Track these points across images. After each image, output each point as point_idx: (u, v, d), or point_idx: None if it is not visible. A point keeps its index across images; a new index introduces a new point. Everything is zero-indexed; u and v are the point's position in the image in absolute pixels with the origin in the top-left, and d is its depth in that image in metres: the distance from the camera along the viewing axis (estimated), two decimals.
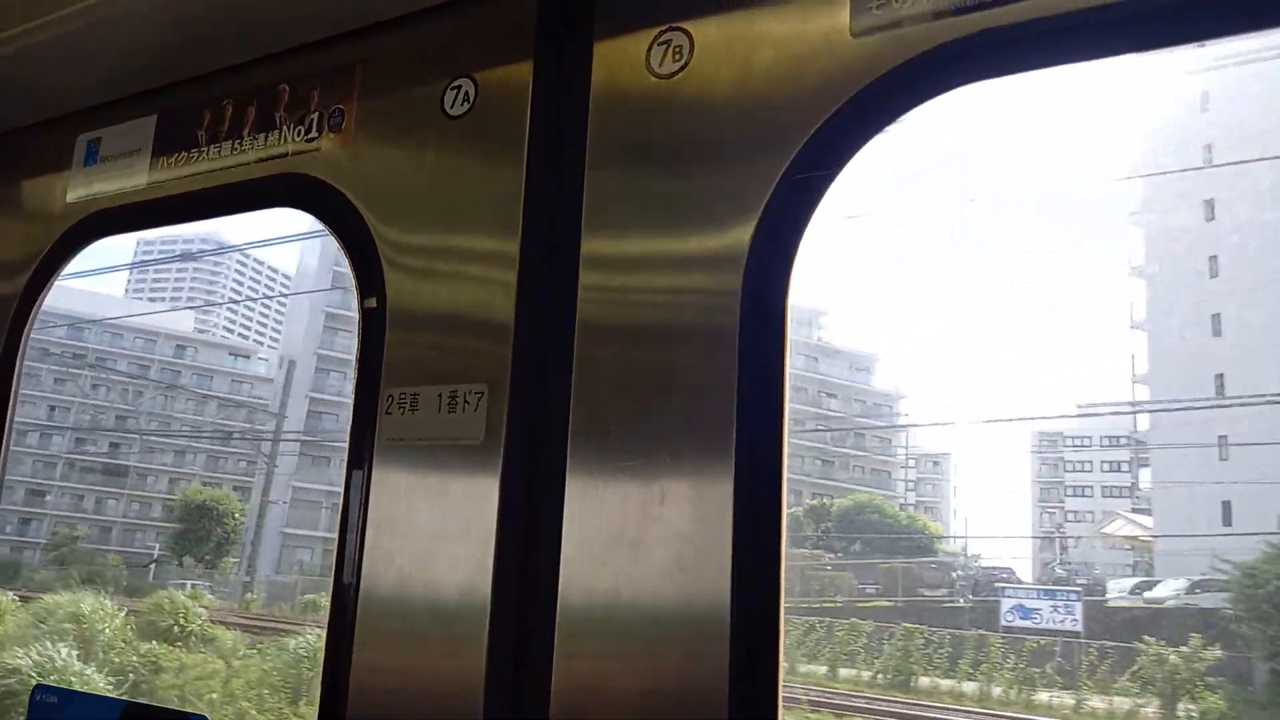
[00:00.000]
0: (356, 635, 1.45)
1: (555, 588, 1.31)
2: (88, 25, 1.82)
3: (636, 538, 1.26)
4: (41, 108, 2.16)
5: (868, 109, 1.22)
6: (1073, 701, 13.14)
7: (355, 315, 1.62)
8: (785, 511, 1.20)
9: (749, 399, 1.22)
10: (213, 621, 15.86)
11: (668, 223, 1.34)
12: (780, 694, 1.15)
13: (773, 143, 1.27)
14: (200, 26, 1.79)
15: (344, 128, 1.69)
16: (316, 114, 1.73)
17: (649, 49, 1.40)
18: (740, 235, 1.27)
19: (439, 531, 1.41)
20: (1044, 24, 1.11)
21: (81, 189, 2.09)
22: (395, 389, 1.49)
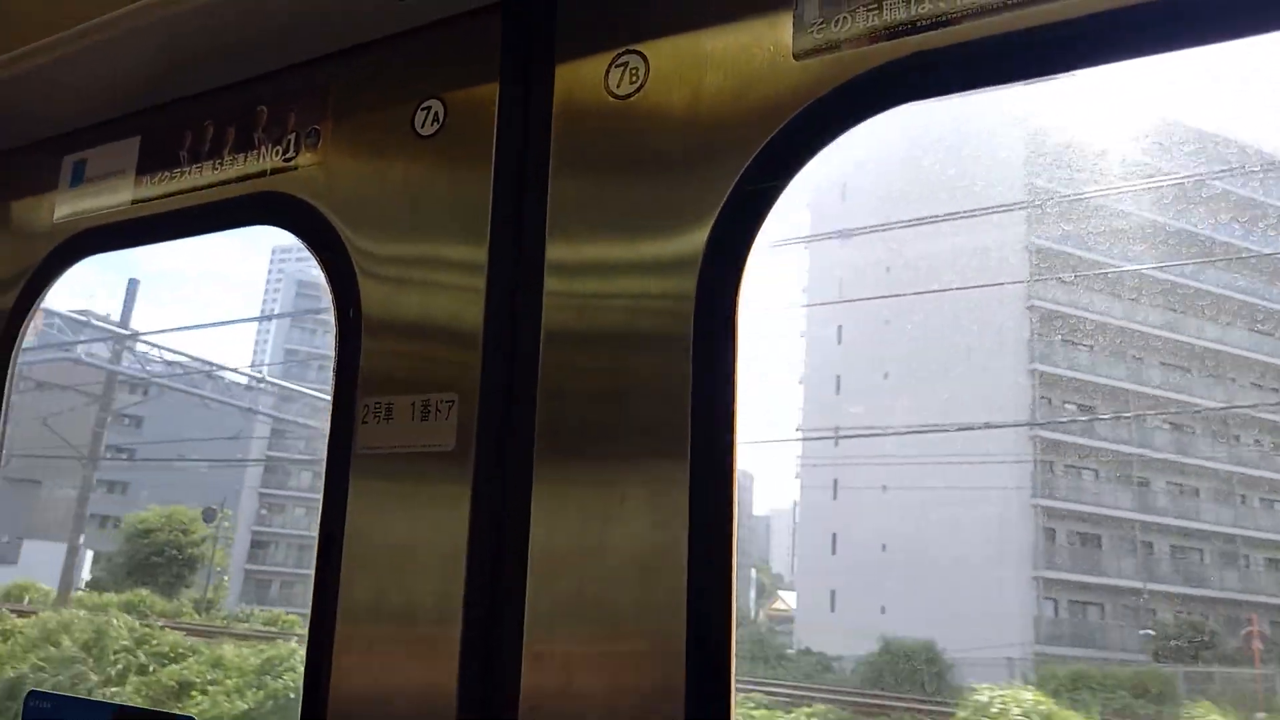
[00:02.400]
0: (336, 640, 1.50)
1: (523, 590, 1.37)
2: (73, 51, 1.88)
3: (599, 540, 1.32)
4: (28, 130, 2.22)
5: (810, 127, 1.28)
6: None
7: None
8: (736, 511, 1.26)
9: (702, 401, 1.28)
10: None
11: (627, 231, 1.40)
12: (733, 688, 1.21)
13: (723, 157, 1.33)
14: (182, 51, 1.85)
15: (319, 147, 1.75)
16: (293, 134, 1.79)
17: (607, 71, 1.46)
18: (694, 242, 1.33)
19: (413, 537, 1.47)
20: (972, 47, 1.17)
21: (68, 208, 2.15)
22: (371, 399, 1.55)
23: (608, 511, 1.32)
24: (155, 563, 24.93)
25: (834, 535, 26.05)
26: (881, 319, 24.98)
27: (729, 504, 1.26)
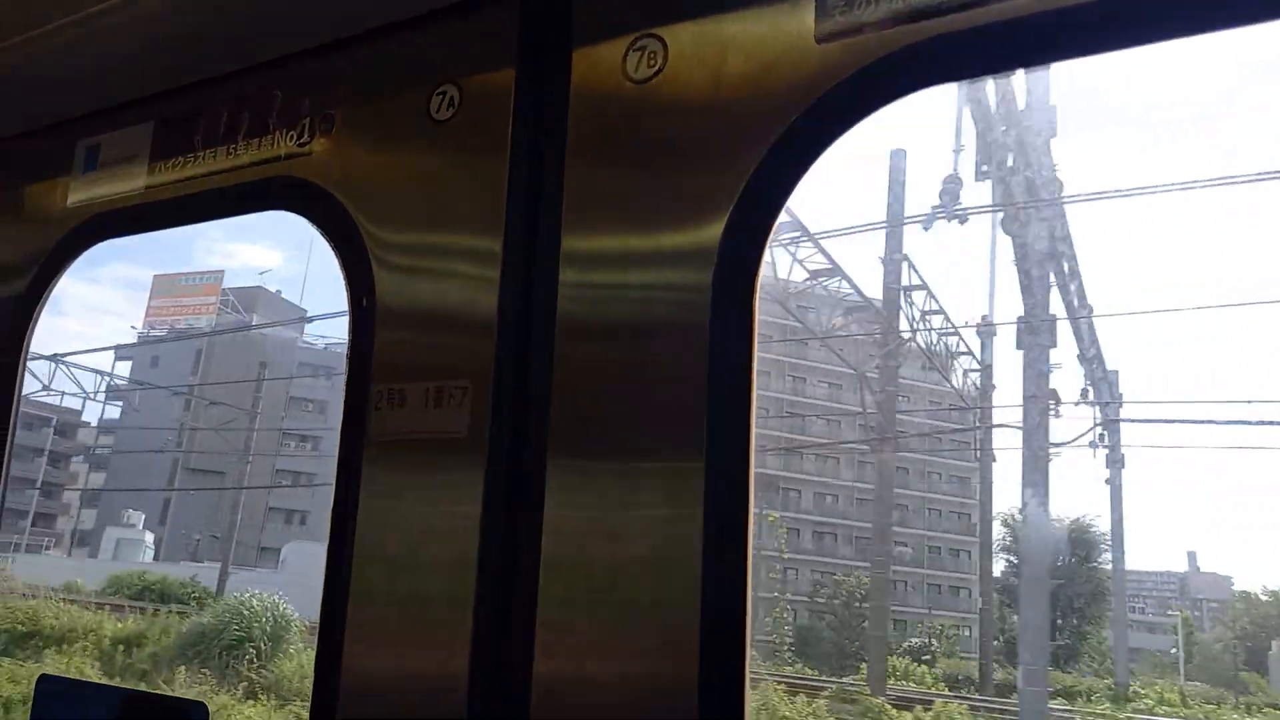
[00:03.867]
0: (348, 626, 1.49)
1: (536, 578, 1.36)
2: (87, 34, 1.87)
3: (613, 528, 1.31)
4: (42, 115, 2.21)
5: (832, 112, 1.26)
6: None
7: None
8: (753, 501, 1.24)
9: (719, 392, 1.27)
10: None
11: (643, 221, 1.38)
12: (746, 677, 1.20)
13: (742, 144, 1.31)
14: (195, 36, 1.84)
15: (334, 132, 1.73)
16: (308, 119, 1.77)
17: (625, 55, 1.44)
18: (711, 233, 1.31)
19: (426, 524, 1.46)
20: (996, 30, 1.15)
21: (81, 193, 2.14)
22: (384, 385, 1.54)
23: (622, 500, 1.31)
24: None
25: None
26: None
27: (745, 495, 1.24)
